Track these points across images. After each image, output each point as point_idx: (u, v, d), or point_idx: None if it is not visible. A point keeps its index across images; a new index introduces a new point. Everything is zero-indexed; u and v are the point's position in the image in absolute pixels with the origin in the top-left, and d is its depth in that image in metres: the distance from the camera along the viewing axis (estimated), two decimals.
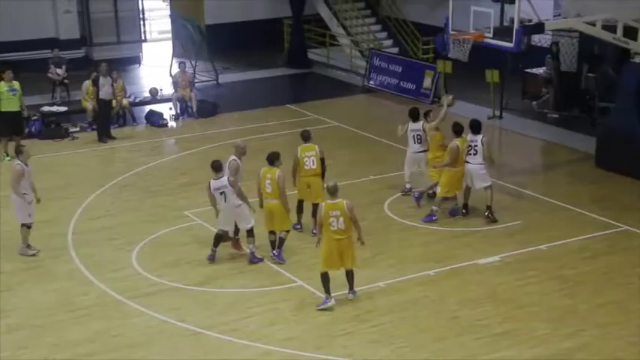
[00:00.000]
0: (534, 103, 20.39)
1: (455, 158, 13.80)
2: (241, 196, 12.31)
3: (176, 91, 20.91)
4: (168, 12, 27.21)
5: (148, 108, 20.88)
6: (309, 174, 13.36)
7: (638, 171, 15.59)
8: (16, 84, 17.83)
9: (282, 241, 12.49)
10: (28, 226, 12.99)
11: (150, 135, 19.44)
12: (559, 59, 20.22)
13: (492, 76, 19.74)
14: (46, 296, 11.75)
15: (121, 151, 18.36)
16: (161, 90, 22.00)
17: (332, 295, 11.21)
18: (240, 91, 23.03)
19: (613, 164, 15.99)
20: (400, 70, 22.29)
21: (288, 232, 12.52)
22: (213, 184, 12.30)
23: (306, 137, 13.59)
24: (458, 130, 13.98)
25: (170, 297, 11.65)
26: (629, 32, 16.46)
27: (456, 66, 19.88)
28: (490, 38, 15.68)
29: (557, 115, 19.81)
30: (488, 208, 14.04)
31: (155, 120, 20.15)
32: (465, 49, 15.89)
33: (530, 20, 15.74)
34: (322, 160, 13.51)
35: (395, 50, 24.18)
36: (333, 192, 11.06)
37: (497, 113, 19.83)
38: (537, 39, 21.29)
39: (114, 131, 19.14)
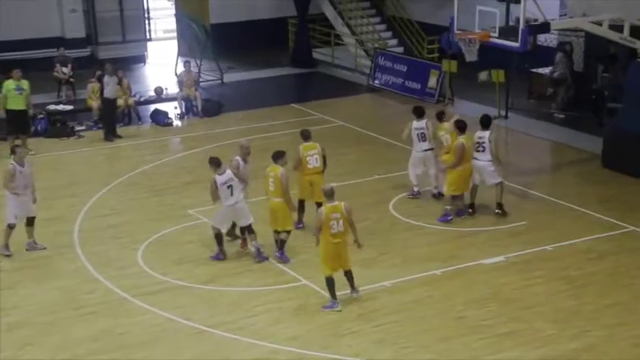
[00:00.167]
0: (553, 104, 20.16)
1: (461, 156, 13.77)
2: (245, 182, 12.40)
3: (181, 90, 20.93)
4: (173, 11, 27.21)
5: (153, 107, 20.90)
6: (313, 172, 13.35)
7: None
8: (24, 83, 17.82)
9: (282, 242, 12.46)
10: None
11: (155, 134, 19.46)
12: (572, 59, 20.11)
13: (497, 75, 19.70)
14: (51, 294, 11.74)
15: (126, 150, 18.36)
16: (166, 89, 22.01)
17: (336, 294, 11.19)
18: (244, 90, 23.04)
19: (620, 165, 15.94)
20: (405, 70, 22.27)
21: (289, 232, 12.47)
22: (220, 179, 12.27)
23: (306, 136, 13.57)
24: (461, 126, 13.94)
25: (175, 295, 11.65)
26: (637, 32, 16.41)
27: (461, 65, 19.87)
28: (495, 38, 15.65)
29: (563, 116, 19.76)
30: (499, 204, 14.01)
31: (160, 119, 20.15)
32: (474, 49, 15.86)
33: (535, 20, 15.72)
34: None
35: (400, 50, 24.16)
36: (330, 195, 11.05)
37: (503, 113, 19.79)
38: (543, 38, 21.23)
39: (119, 130, 19.15)
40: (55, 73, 21.64)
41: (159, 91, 21.99)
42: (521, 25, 15.21)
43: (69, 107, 20.63)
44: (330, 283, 11.12)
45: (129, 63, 24.49)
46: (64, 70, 21.66)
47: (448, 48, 20.34)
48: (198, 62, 23.05)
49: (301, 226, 13.46)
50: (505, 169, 14.53)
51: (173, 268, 12.39)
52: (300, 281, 11.92)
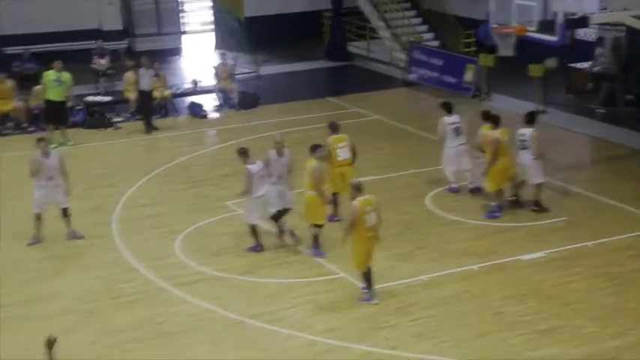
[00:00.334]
0: (594, 99, 19.84)
1: (496, 151, 13.60)
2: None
3: (217, 82, 20.99)
4: (209, 4, 27.32)
5: (189, 99, 20.97)
6: (344, 164, 13.31)
7: None
8: (65, 75, 17.95)
9: (314, 238, 12.41)
10: (37, 217, 13.00)
11: (192, 126, 19.55)
12: (620, 54, 19.76)
13: (536, 70, 19.46)
14: (91, 283, 11.85)
15: (163, 141, 18.46)
16: (200, 82, 22.09)
17: (373, 287, 11.15)
18: (280, 83, 23.07)
19: None
20: (441, 64, 22.09)
21: (318, 226, 12.38)
22: (253, 168, 12.31)
23: (335, 128, 13.52)
24: (495, 120, 13.78)
25: (213, 286, 11.66)
26: None
27: (498, 60, 19.66)
28: (533, 32, 15.43)
29: (604, 111, 19.47)
30: (536, 202, 13.86)
31: (196, 111, 20.24)
32: (510, 43, 15.67)
33: (574, 13, 15.47)
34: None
35: (435, 44, 23.98)
36: (360, 189, 10.98)
37: (542, 108, 19.55)
38: (582, 33, 20.94)
39: (156, 122, 19.22)
40: (93, 65, 21.83)
41: (195, 83, 22.07)
42: (560, 19, 14.97)
43: (107, 98, 20.80)
44: (368, 278, 11.07)
45: (165, 55, 24.60)
46: (102, 62, 21.84)
47: (486, 40, 20.10)
48: (234, 55, 23.06)
49: (336, 219, 13.39)
50: (545, 165, 14.34)
51: (210, 258, 12.42)
52: (337, 274, 11.88)
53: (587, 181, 15.57)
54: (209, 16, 27.47)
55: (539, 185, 13.90)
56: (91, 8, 24.44)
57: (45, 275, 12.11)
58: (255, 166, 12.39)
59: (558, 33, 15.05)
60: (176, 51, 25.93)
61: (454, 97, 20.15)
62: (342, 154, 13.31)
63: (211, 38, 26.83)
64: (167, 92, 20.33)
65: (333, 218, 13.31)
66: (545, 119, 19.07)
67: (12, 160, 16.78)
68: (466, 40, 23.07)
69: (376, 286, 11.22)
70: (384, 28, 24.61)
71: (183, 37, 26.67)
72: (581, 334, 10.38)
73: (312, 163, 12.28)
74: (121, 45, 24.11)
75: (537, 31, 15.35)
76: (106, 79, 21.88)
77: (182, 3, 26.73)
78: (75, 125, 18.97)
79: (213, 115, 20.39)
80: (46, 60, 18.91)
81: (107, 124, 19.30)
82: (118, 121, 19.55)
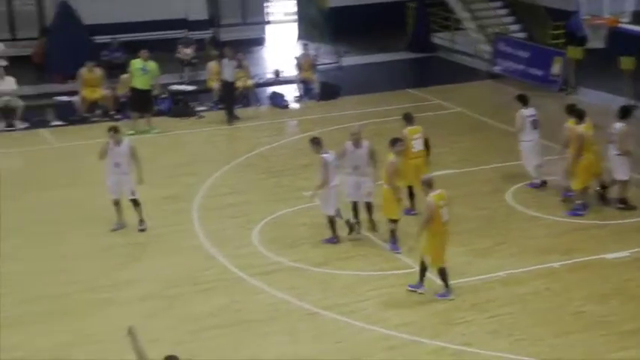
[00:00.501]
0: None
1: (580, 147, 13.27)
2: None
3: (299, 73, 21.10)
4: None
5: (271, 89, 21.13)
6: (418, 156, 13.29)
7: None
8: (150, 64, 18.31)
9: (390, 233, 12.36)
10: (114, 203, 13.25)
11: (273, 116, 19.70)
12: None
13: (628, 63, 18.85)
14: (171, 269, 12.09)
15: (244, 131, 18.65)
16: (282, 72, 22.23)
17: (449, 283, 11.09)
18: (361, 74, 23.03)
19: None
20: (527, 56, 21.64)
21: (393, 221, 12.31)
22: (329, 157, 12.37)
23: (410, 119, 13.50)
24: (579, 114, 13.44)
25: (289, 276, 11.74)
26: None
27: (587, 52, 19.16)
28: (626, 23, 14.98)
29: None
30: (621, 200, 13.50)
31: (278, 101, 20.38)
32: (601, 35, 15.24)
33: None
34: (426, 141, 13.44)
35: (522, 35, 23.51)
36: (431, 184, 10.89)
37: (633, 103, 18.92)
38: None
39: (238, 111, 19.41)
40: (178, 55, 22.22)
41: (277, 73, 22.24)
42: None
43: (191, 88, 21.15)
44: (444, 273, 11.00)
45: (248, 45, 24.81)
46: (187, 51, 22.21)
47: (577, 31, 19.57)
48: (316, 45, 23.11)
49: (414, 212, 13.32)
50: (633, 162, 13.95)
51: (287, 249, 12.49)
52: (413, 268, 11.76)
53: None
54: (293, 6, 27.58)
55: (624, 182, 13.51)
56: None
57: (127, 261, 12.40)
58: (330, 155, 12.45)
59: None
60: (260, 41, 26.11)
61: (540, 91, 19.79)
62: (417, 145, 13.33)
63: (294, 28, 26.95)
64: (249, 82, 20.52)
65: (410, 212, 13.25)
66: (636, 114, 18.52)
67: (99, 147, 17.25)
68: (554, 32, 22.52)
69: (452, 282, 11.14)
70: (470, 19, 24.26)
71: (268, 27, 26.82)
72: None
73: (389, 157, 12.26)
74: (206, 35, 24.45)
75: (630, 23, 14.92)
76: (190, 68, 22.21)
77: None
78: (160, 113, 19.35)
79: (294, 105, 20.49)
80: (133, 49, 19.34)
81: (191, 112, 19.60)
82: (201, 110, 19.83)
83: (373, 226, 12.95)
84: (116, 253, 12.66)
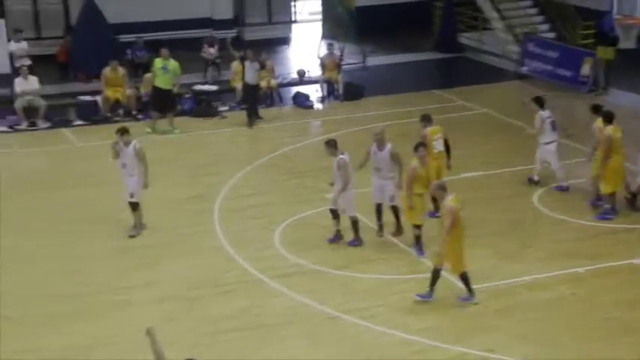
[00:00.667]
0: None
1: (609, 149, 13.06)
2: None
3: (323, 73, 21.03)
4: None
5: (295, 89, 21.09)
6: (439, 157, 13.23)
7: None
8: (171, 63, 18.31)
9: (416, 238, 12.26)
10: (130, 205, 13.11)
11: (296, 116, 19.68)
12: None
13: None
14: (191, 271, 12.06)
15: (267, 131, 18.65)
16: (308, 72, 22.19)
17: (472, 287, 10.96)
18: (386, 74, 22.95)
19: None
20: (556, 56, 21.36)
21: (419, 227, 12.21)
22: (347, 158, 12.32)
23: (429, 119, 13.44)
24: (608, 116, 13.22)
25: (310, 279, 11.69)
26: None
27: (618, 52, 18.88)
28: None
29: None
30: None
31: (302, 101, 20.35)
32: (632, 35, 15.00)
33: None
34: (446, 141, 13.40)
35: (551, 35, 23.23)
36: (446, 188, 10.82)
37: None
38: None
39: (261, 111, 19.35)
40: (203, 54, 22.21)
41: (301, 73, 22.18)
42: None
43: (214, 87, 21.13)
44: (466, 278, 10.88)
45: (273, 45, 24.77)
46: (211, 50, 22.20)
47: (610, 32, 19.28)
48: (342, 45, 23.04)
49: (438, 215, 13.15)
50: None
51: (308, 251, 12.43)
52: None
53: None
54: (318, 5, 27.50)
55: None
56: None
57: (146, 263, 12.37)
58: (347, 156, 12.39)
59: None
60: (285, 40, 26.04)
61: (569, 92, 19.53)
62: (438, 146, 13.27)
63: (318, 28, 26.89)
64: (273, 82, 20.50)
65: (434, 214, 13.11)
66: None
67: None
68: (584, 32, 22.21)
69: (476, 286, 11.01)
70: (498, 18, 24.01)
71: (294, 27, 26.73)
72: None
73: (413, 161, 12.17)
74: (230, 34, 24.46)
75: None
76: (214, 67, 22.19)
77: None
78: (183, 113, 19.37)
79: (318, 105, 20.46)
80: (158, 48, 19.32)
81: (213, 112, 19.59)
82: (224, 110, 19.82)
83: (399, 230, 12.85)
84: (136, 255, 12.65)
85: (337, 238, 12.66)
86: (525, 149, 16.35)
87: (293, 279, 11.67)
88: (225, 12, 25.15)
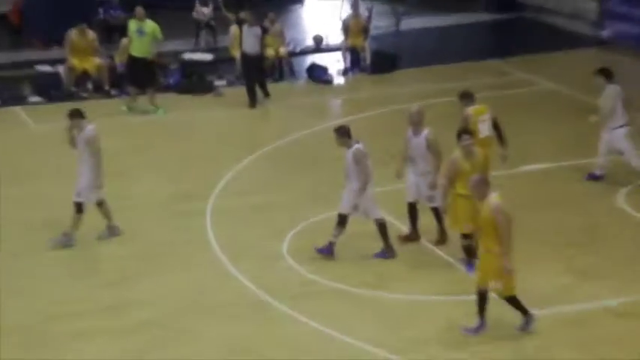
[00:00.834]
0: None
1: None
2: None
3: (346, 39, 21.05)
4: None
5: (310, 59, 21.11)
6: (486, 143, 13.15)
7: None
8: (149, 25, 18.29)
9: (464, 249, 12.17)
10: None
11: (311, 93, 19.69)
12: None
13: None
14: (177, 289, 11.92)
15: (275, 112, 18.65)
16: (327, 38, 22.25)
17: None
18: (425, 41, 23.11)
19: None
20: None
21: (467, 236, 12.05)
22: (363, 148, 12.37)
23: (471, 97, 13.51)
24: None
25: (329, 301, 11.53)
26: None
27: None
28: None
29: None
30: None
31: (318, 75, 20.34)
32: None
33: None
34: (496, 123, 13.38)
35: None
36: (489, 184, 10.63)
37: None
38: None
39: (268, 86, 19.27)
40: (194, 14, 22.13)
41: (318, 40, 22.19)
42: None
43: (208, 57, 21.10)
44: (516, 300, 10.60)
45: (284, 4, 24.91)
46: (205, 10, 22.11)
47: None
48: (369, 5, 22.98)
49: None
50: None
51: (327, 264, 12.32)
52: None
53: None
54: None
55: None
56: None
57: (124, 277, 12.26)
58: (363, 147, 12.37)
59: None
60: None
61: None
62: (484, 129, 13.22)
63: None
64: (283, 50, 20.44)
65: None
66: None
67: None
68: None
69: (543, 311, 10.79)
70: None
71: None
72: None
73: (454, 153, 12.08)
74: None
75: None
76: (208, 31, 22.25)
77: None
78: (168, 88, 19.38)
79: (339, 80, 20.43)
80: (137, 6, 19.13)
81: (207, 88, 19.58)
82: (221, 86, 19.80)
83: (442, 238, 12.76)
84: (104, 269, 12.62)
85: (329, 251, 12.50)
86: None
87: (308, 301, 11.51)
88: None
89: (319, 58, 21.09)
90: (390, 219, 12.79)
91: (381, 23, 23.45)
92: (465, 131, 12.21)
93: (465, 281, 11.72)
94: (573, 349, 10.39)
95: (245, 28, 18.68)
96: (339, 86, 20.13)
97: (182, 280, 12.15)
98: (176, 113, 18.36)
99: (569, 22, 23.29)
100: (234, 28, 20.06)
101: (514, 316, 10.68)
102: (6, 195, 14.57)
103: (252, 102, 18.69)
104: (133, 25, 18.28)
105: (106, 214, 13.16)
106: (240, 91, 19.18)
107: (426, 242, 12.73)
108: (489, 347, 10.45)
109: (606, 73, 14.64)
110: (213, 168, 15.57)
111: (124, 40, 19.18)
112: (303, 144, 16.75)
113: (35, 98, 19.15)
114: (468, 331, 10.68)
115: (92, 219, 13.15)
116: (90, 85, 19.49)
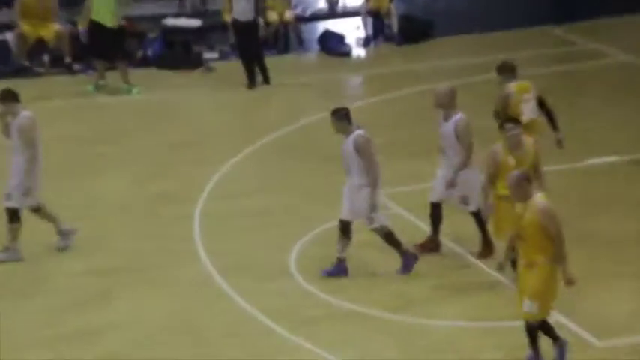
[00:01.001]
0: None
1: None
2: None
3: (367, 0, 21.11)
4: None
5: (323, 26, 21.28)
6: (532, 128, 13.16)
7: None
8: None
9: (512, 264, 12.00)
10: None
11: (324, 68, 19.86)
12: None
13: None
14: (158, 313, 11.98)
15: (279, 93, 18.78)
16: None
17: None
18: (466, 2, 23.24)
19: None
20: None
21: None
22: (365, 134, 12.53)
23: (513, 70, 13.58)
24: None
25: (347, 327, 11.59)
26: None
27: None
28: None
29: None
30: None
31: (333, 45, 20.48)
32: None
33: None
34: (542, 102, 13.42)
35: None
36: (531, 180, 10.68)
37: None
38: None
39: (269, 60, 19.36)
40: None
41: (333, 1, 22.42)
42: None
43: (195, 23, 21.11)
44: (548, 325, 10.72)
45: None
46: None
47: None
48: None
49: None
50: None
51: (343, 282, 12.44)
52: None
53: None
54: None
55: None
56: None
57: (88, 299, 12.30)
58: (366, 133, 12.44)
59: None
60: None
61: None
62: (528, 110, 13.28)
63: None
64: (288, 15, 20.58)
65: None
66: None
67: (41, 116, 17.15)
68: None
69: (614, 340, 10.94)
70: None
71: None
72: None
73: (496, 145, 12.15)
74: None
75: None
76: None
77: None
78: (145, 62, 19.54)
79: (358, 51, 20.56)
80: None
81: (194, 62, 19.71)
82: (211, 59, 19.93)
83: (486, 250, 12.85)
84: (70, 287, 12.55)
85: (340, 270, 12.59)
86: None
87: (320, 327, 11.60)
88: None
89: (334, 25, 21.22)
90: (421, 224, 12.94)
91: None
92: (510, 119, 12.23)
93: (511, 304, 11.42)
94: None
95: None
96: (358, 60, 20.30)
97: (165, 301, 12.16)
98: (156, 93, 18.47)
99: None
100: None
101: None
102: None
103: (251, 81, 18.78)
104: None
105: (50, 218, 13.15)
106: (236, 66, 19.25)
107: (468, 255, 12.81)
108: None
109: None
110: (203, 162, 15.66)
111: (89, 1, 19.06)
112: (313, 133, 16.74)
113: None
114: None
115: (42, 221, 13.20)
116: (47, 58, 19.58)
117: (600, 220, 13.31)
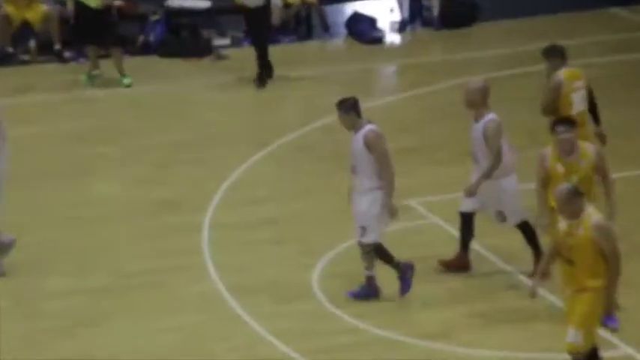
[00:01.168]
0: None
1: None
2: None
3: None
4: None
5: (351, 8, 21.44)
6: (583, 121, 13.24)
7: None
8: None
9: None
10: None
11: (352, 56, 19.97)
12: None
13: None
14: (161, 337, 12.03)
15: (298, 87, 18.87)
16: None
17: None
18: None
19: None
20: None
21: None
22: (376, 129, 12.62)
23: (563, 54, 13.56)
24: None
25: (377, 356, 11.67)
26: None
27: None
28: None
29: None
30: None
31: (363, 30, 20.58)
32: None
33: None
34: (590, 93, 13.54)
35: None
36: (583, 194, 10.62)
37: None
38: None
39: (287, 47, 19.61)
40: None
41: None
42: None
43: (204, 4, 21.30)
44: (597, 355, 10.80)
45: None
46: None
47: None
48: None
49: None
50: None
51: (374, 305, 12.51)
52: (618, 348, 11.63)
53: None
54: None
55: None
56: None
57: (78, 323, 12.33)
58: (377, 128, 12.53)
59: None
60: None
61: None
62: (579, 101, 13.34)
63: None
64: None
65: None
66: None
67: (26, 110, 17.39)
68: None
69: None
70: None
71: None
72: None
73: (546, 149, 12.09)
74: None
75: None
76: None
77: None
78: (146, 49, 19.67)
79: (392, 37, 20.66)
80: None
81: (202, 49, 19.86)
82: (222, 46, 20.07)
83: (542, 271, 12.74)
84: (56, 310, 12.60)
85: (369, 292, 12.64)
86: None
87: (347, 356, 11.68)
88: None
89: (364, 6, 21.29)
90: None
91: None
92: (563, 119, 12.07)
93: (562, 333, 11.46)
94: None
95: None
96: (392, 47, 20.37)
97: (166, 324, 12.19)
98: (157, 85, 18.56)
99: None
100: None
101: None
102: None
103: (261, 81, 18.78)
104: None
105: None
106: (250, 55, 19.13)
107: (519, 275, 12.87)
108: None
109: None
110: (211, 167, 15.78)
111: None
112: (334, 132, 16.17)
113: None
114: None
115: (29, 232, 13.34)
116: (33, 43, 19.70)
117: None
